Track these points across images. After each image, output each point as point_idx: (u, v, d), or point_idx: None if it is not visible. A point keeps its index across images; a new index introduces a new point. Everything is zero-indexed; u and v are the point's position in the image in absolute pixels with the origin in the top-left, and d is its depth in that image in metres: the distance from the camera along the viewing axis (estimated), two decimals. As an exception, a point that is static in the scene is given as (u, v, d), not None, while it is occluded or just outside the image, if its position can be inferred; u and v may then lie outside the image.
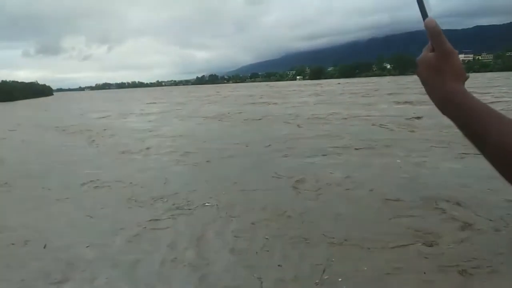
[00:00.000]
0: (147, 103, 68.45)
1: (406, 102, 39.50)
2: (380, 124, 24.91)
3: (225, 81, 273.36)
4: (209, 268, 7.76)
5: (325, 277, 6.94)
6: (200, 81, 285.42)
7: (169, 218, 10.79)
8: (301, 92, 75.43)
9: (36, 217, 11.67)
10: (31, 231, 10.28)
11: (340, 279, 7.08)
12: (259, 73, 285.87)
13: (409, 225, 8.98)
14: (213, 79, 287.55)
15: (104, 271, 7.90)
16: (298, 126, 28.23)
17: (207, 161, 18.39)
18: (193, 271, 7.71)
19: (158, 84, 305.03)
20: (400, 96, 48.34)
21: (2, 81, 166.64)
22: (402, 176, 13.16)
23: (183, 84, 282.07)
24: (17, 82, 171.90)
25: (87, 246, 8.86)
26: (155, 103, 68.39)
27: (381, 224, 9.36)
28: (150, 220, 10.77)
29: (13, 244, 9.23)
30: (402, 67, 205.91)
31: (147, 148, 23.02)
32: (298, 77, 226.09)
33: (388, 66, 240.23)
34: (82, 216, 11.54)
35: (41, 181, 16.38)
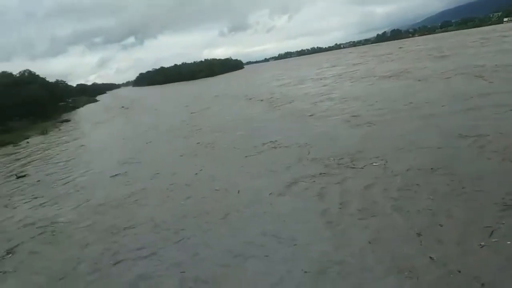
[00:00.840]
0: (323, 68, 70.17)
1: None
2: None
3: (410, 35, 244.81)
4: (371, 220, 8.86)
5: (493, 240, 6.85)
6: (381, 38, 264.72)
7: (338, 174, 12.36)
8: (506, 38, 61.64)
9: (230, 170, 15.49)
10: (228, 181, 13.96)
11: (509, 242, 6.82)
12: (452, 21, 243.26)
13: None
14: (395, 34, 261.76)
15: (281, 210, 10.47)
16: (484, 79, 24.41)
17: (374, 123, 18.79)
18: (357, 220, 9.04)
19: (337, 47, 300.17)
20: None
21: (205, 59, 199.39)
22: None
23: (362, 44, 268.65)
24: (215, 59, 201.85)
25: (269, 193, 11.66)
26: (331, 67, 69.51)
27: None
28: (321, 174, 12.68)
29: (217, 190, 13.40)
30: None
31: (320, 111, 24.86)
32: (505, 19, 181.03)
33: None
34: (264, 169, 14.65)
35: (232, 143, 21.01)
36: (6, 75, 74.98)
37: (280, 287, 7.01)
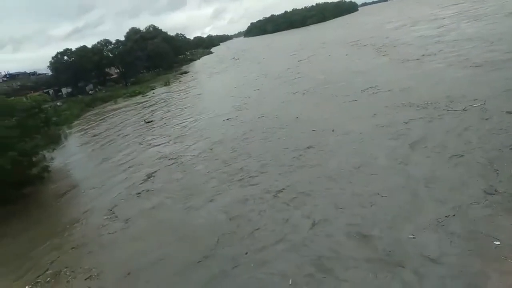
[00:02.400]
0: (443, 6, 61.94)
1: None
2: None
3: None
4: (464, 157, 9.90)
5: None
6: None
7: (434, 117, 12.75)
8: None
9: (328, 113, 16.83)
10: (326, 122, 15.45)
11: None
12: None
13: None
14: None
15: (368, 147, 12.16)
16: None
17: (481, 65, 17.54)
18: (446, 158, 10.22)
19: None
20: None
21: (316, 4, 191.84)
22: None
23: None
24: (327, 3, 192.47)
25: (360, 133, 12.94)
26: (453, 4, 61.07)
27: None
28: (417, 118, 13.24)
29: (314, 130, 15.49)
30: None
31: (429, 55, 23.45)
32: None
33: None
34: (359, 114, 15.77)
35: (332, 89, 21.96)
36: (135, 31, 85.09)
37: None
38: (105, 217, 12.62)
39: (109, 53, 75.52)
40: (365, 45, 37.44)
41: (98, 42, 75.26)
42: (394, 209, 8.37)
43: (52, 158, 20.08)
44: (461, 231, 7.10)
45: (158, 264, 9.03)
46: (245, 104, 24.89)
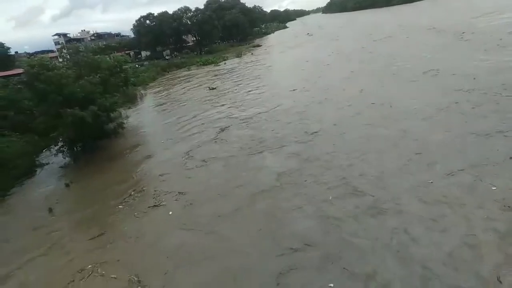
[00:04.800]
0: None
1: None
2: None
3: None
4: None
5: None
6: None
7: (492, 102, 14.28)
8: None
9: (393, 90, 18.96)
10: (388, 99, 17.31)
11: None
12: None
13: None
14: None
15: (422, 123, 14.69)
16: None
17: None
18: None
19: None
20: None
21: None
22: None
23: None
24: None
25: (414, 108, 14.64)
26: None
27: None
28: (463, 101, 14.97)
29: (373, 103, 17.56)
30: None
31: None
32: None
33: None
34: (417, 93, 17.71)
35: (398, 69, 23.97)
36: (215, 0, 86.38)
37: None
38: (183, 158, 15.47)
39: (187, 20, 78.08)
40: (444, 30, 36.23)
41: (178, 9, 78.37)
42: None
43: (128, 116, 21.80)
44: None
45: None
46: (313, 77, 26.32)
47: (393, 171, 10.44)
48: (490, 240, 7.10)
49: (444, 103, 14.78)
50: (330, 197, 9.86)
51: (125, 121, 20.69)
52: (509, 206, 7.83)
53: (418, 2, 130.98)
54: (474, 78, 16.98)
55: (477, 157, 10.11)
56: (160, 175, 14.15)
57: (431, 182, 9.44)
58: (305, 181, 11.01)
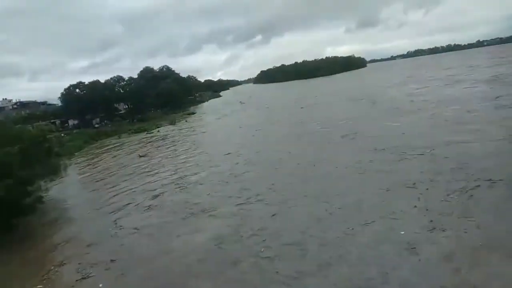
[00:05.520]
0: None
1: None
2: None
3: None
4: None
5: None
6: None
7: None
8: None
9: (316, 152, 21.99)
10: (312, 159, 20.44)
11: None
12: None
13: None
14: None
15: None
16: None
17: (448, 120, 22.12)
18: None
19: (479, 44, 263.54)
20: None
21: (326, 57, 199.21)
22: None
23: None
24: (337, 57, 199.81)
25: (334, 166, 17.63)
26: (445, 69, 65.11)
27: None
28: (376, 160, 17.99)
29: (299, 164, 19.69)
30: None
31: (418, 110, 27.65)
32: None
33: None
34: (340, 152, 20.68)
35: (318, 134, 26.86)
36: (149, 70, 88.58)
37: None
38: (112, 228, 14.51)
39: (120, 89, 77.86)
40: (359, 99, 42.16)
41: (111, 78, 78.20)
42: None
43: (48, 189, 20.17)
44: None
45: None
46: (246, 142, 27.73)
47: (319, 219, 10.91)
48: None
49: (361, 161, 16.61)
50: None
51: (45, 195, 19.06)
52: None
53: (337, 75, 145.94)
54: (382, 140, 19.74)
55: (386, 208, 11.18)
56: (87, 245, 13.05)
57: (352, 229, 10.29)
58: (242, 236, 11.05)
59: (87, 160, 35.11)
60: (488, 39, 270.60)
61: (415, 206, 10.93)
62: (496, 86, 32.50)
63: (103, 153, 37.63)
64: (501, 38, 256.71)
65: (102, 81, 76.87)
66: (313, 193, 13.81)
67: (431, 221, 9.83)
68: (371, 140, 20.29)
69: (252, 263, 9.67)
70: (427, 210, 10.55)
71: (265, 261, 9.62)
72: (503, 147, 15.03)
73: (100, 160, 32.99)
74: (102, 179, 24.43)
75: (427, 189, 12.08)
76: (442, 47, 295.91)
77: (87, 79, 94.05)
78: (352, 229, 10.32)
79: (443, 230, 9.24)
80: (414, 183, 12.74)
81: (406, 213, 10.65)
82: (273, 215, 12.47)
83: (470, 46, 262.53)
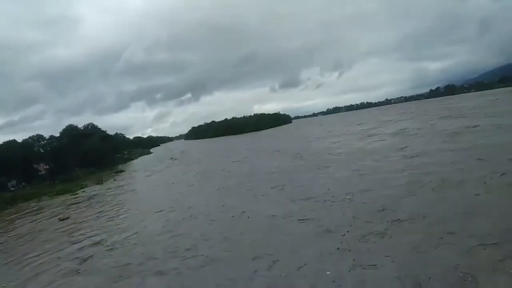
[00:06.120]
0: (350, 126, 73.22)
1: None
2: None
3: (465, 91, 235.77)
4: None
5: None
6: (435, 93, 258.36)
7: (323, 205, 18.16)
8: None
9: (249, 204, 22.62)
10: (245, 211, 20.82)
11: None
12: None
13: None
14: (450, 89, 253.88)
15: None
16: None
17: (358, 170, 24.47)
18: None
19: (387, 102, 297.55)
20: None
21: (254, 114, 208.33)
22: None
23: (415, 99, 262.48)
24: (264, 114, 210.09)
25: (266, 215, 17.49)
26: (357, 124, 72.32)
27: None
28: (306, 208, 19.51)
29: (233, 216, 19.59)
30: None
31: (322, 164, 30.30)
32: None
33: None
34: (270, 203, 21.56)
35: (248, 185, 27.86)
36: (73, 128, 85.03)
37: None
38: None
39: (40, 148, 73.08)
40: (285, 153, 45.23)
41: (29, 137, 73.51)
42: None
43: None
44: None
45: None
46: (177, 198, 27.57)
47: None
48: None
49: (292, 210, 17.50)
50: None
51: None
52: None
53: (264, 131, 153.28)
54: (308, 189, 21.29)
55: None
56: None
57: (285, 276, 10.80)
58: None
59: (0, 227, 31.58)
60: (395, 97, 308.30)
61: (338, 248, 11.90)
62: (400, 139, 36.94)
63: (20, 218, 34.15)
64: (405, 97, 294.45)
65: (20, 140, 71.89)
66: (251, 242, 14.22)
67: (354, 259, 10.83)
68: (299, 191, 21.58)
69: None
70: (349, 251, 11.55)
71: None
72: (408, 191, 17.02)
73: (17, 226, 29.90)
74: (16, 247, 22.00)
75: (348, 231, 13.24)
76: (356, 104, 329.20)
77: (1, 139, 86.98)
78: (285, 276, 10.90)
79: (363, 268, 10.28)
80: (340, 226, 13.90)
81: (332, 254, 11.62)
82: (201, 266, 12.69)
83: (380, 103, 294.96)
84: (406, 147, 30.18)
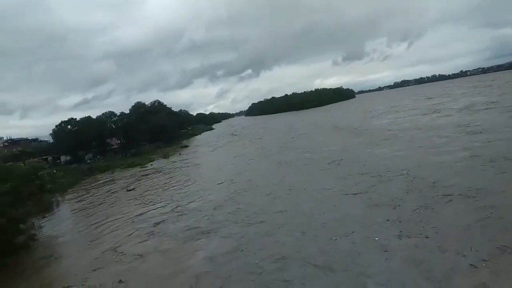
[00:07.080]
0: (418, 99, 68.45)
1: None
2: None
3: None
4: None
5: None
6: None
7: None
8: None
9: (305, 178, 22.83)
10: (302, 185, 21.15)
11: None
12: None
13: None
14: None
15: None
16: None
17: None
18: None
19: (462, 74, 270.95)
20: None
21: (315, 89, 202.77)
22: None
23: (494, 71, 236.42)
24: (326, 89, 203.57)
25: (323, 188, 17.24)
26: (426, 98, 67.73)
27: None
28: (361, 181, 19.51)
29: (290, 189, 20.69)
30: None
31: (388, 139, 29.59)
32: None
33: None
34: (327, 178, 21.93)
35: (307, 160, 28.50)
36: (140, 105, 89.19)
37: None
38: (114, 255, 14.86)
39: (112, 124, 77.80)
40: (343, 128, 45.56)
41: (102, 114, 78.41)
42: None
43: (41, 226, 19.64)
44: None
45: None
46: (238, 171, 28.69)
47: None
48: None
49: (347, 184, 18.01)
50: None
51: (37, 232, 18.53)
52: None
53: (326, 106, 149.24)
54: (364, 165, 21.57)
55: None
56: (92, 270, 13.40)
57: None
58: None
59: (80, 195, 34.92)
60: (471, 69, 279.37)
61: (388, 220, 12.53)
62: (468, 114, 34.96)
63: (97, 188, 37.64)
64: (483, 68, 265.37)
65: (94, 117, 77.02)
66: (306, 212, 15.02)
67: (401, 230, 11.50)
68: (355, 166, 21.85)
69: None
70: (399, 222, 12.20)
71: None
72: (467, 168, 16.78)
73: (95, 195, 33.01)
74: (96, 213, 24.23)
75: (399, 205, 13.77)
76: (427, 77, 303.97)
77: (78, 115, 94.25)
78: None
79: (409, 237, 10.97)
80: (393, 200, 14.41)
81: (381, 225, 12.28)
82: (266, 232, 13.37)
83: (454, 76, 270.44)
84: (471, 123, 28.76)
